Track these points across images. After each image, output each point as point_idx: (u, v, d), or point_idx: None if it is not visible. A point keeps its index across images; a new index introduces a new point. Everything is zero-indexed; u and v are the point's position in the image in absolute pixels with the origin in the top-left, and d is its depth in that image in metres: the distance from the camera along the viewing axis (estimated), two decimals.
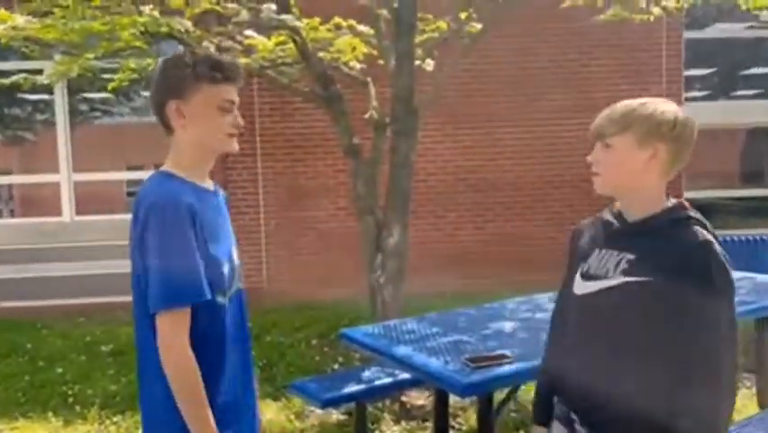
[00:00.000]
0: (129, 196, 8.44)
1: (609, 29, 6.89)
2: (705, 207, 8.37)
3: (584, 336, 1.61)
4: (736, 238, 6.47)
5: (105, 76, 5.70)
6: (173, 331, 1.53)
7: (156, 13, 3.85)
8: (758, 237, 6.55)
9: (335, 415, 4.05)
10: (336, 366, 4.94)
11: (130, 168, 8.66)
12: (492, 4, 4.83)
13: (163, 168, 1.69)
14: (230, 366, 1.67)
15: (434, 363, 2.49)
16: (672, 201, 1.58)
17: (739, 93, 8.32)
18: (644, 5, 5.03)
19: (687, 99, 7.72)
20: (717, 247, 1.46)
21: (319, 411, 4.01)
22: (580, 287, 1.63)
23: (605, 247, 1.61)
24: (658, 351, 1.46)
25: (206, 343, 1.59)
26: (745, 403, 3.94)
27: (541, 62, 7.51)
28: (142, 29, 3.75)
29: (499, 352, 2.54)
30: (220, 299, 1.64)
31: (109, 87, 5.02)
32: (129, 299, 1.66)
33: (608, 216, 1.67)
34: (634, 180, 1.55)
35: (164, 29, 3.72)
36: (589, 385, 1.58)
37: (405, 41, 4.25)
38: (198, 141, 1.66)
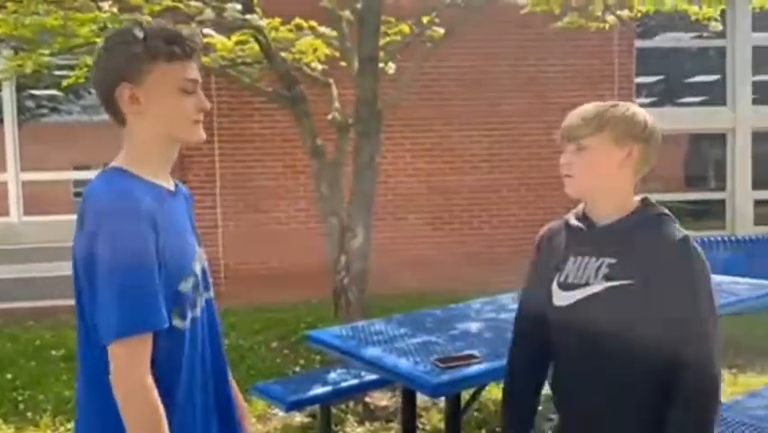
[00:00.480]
0: (76, 196, 8.21)
1: (565, 36, 7.07)
2: None
3: (570, 346, 1.57)
4: None
5: (57, 73, 5.55)
6: (127, 363, 1.27)
7: (115, 10, 3.77)
8: (704, 239, 6.82)
9: (298, 418, 4.03)
10: (298, 369, 4.92)
11: (77, 167, 8.43)
12: (454, 9, 4.90)
13: (114, 163, 1.41)
14: (189, 410, 1.40)
15: (404, 363, 2.51)
16: (638, 200, 1.58)
17: (685, 100, 8.64)
18: (599, 14, 5.18)
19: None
20: (694, 243, 1.48)
21: (282, 414, 3.98)
22: (560, 298, 1.58)
23: (580, 254, 1.57)
24: (645, 351, 1.46)
25: (156, 380, 1.31)
26: None
27: (500, 67, 7.64)
28: (102, 25, 3.66)
29: (467, 352, 2.58)
30: (177, 323, 1.36)
31: (63, 84, 4.87)
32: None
33: (573, 220, 1.64)
34: (608, 181, 1.55)
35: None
36: (580, 394, 1.57)
37: (369, 43, 4.27)
38: (158, 130, 1.40)
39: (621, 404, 1.50)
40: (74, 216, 1.37)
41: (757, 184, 8.23)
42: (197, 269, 1.48)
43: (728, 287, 3.73)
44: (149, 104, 1.37)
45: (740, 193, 8.20)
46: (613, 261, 1.51)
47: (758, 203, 8.19)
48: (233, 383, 1.66)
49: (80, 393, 1.41)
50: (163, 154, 1.44)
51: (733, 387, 4.30)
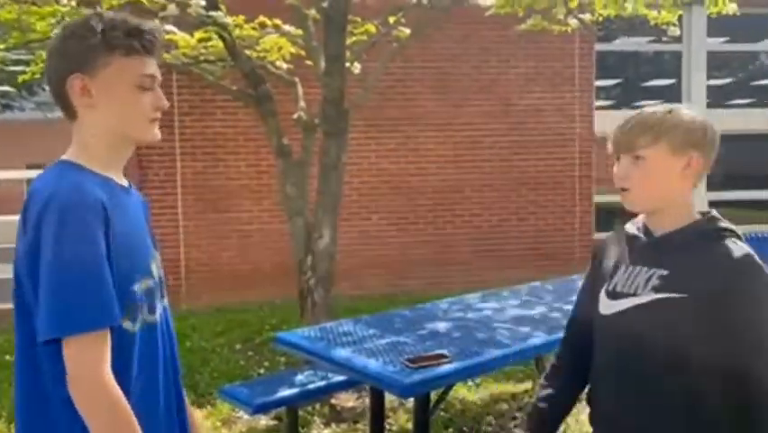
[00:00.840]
0: None
1: (527, 38, 7.18)
2: (611, 211, 8.83)
3: (611, 356, 1.52)
4: None
5: (10, 69, 5.36)
6: (86, 359, 1.20)
7: (74, 3, 3.66)
8: None
9: (264, 420, 3.98)
10: (262, 371, 4.86)
11: (30, 166, 8.18)
12: (420, 9, 4.91)
13: (65, 157, 1.35)
14: (152, 417, 1.35)
15: (374, 364, 2.50)
16: (701, 212, 1.50)
17: (642, 103, 8.86)
18: (562, 17, 5.26)
19: (596, 108, 8.14)
20: (758, 260, 1.38)
21: (247, 417, 3.93)
22: (606, 306, 1.52)
23: (632, 264, 1.51)
24: (690, 367, 1.38)
25: None
26: None
27: (463, 68, 7.70)
28: (60, 19, 3.55)
29: (437, 352, 2.59)
30: (127, 326, 1.29)
31: (19, 80, 4.71)
32: None
33: (632, 230, 1.56)
34: (668, 192, 1.46)
35: None
36: (616, 406, 1.50)
37: (335, 42, 4.24)
38: (110, 126, 1.33)
39: (658, 417, 1.43)
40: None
41: (712, 185, 8.48)
42: (155, 272, 1.41)
43: None
44: (101, 97, 1.31)
45: (695, 193, 8.42)
46: (665, 273, 1.44)
47: (712, 203, 8.44)
48: (185, 397, 1.59)
49: (19, 403, 1.32)
50: (115, 152, 1.38)
51: None
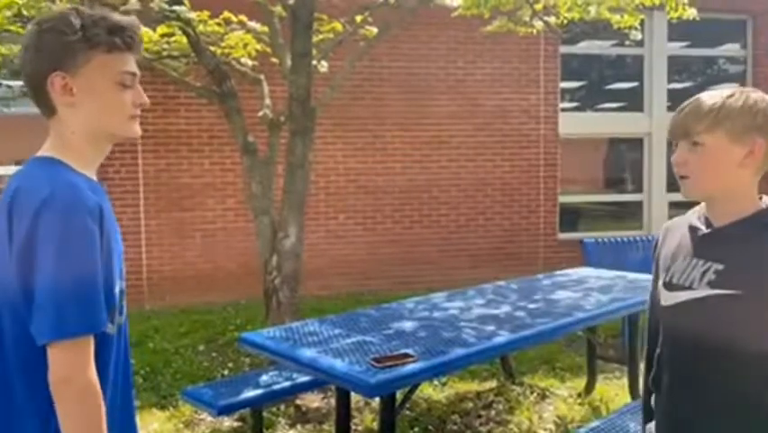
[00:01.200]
0: None
1: (493, 40, 7.24)
2: (574, 212, 8.95)
3: (670, 348, 1.48)
4: (603, 240, 7.00)
5: None
6: (77, 362, 1.21)
7: None
8: (622, 239, 7.12)
9: (228, 422, 3.92)
10: (226, 372, 4.79)
11: None
12: (387, 9, 4.91)
13: (47, 154, 1.32)
14: (111, 406, 1.34)
15: (340, 364, 2.48)
16: (764, 202, 1.42)
17: (605, 105, 9.00)
18: (527, 19, 5.32)
19: (561, 110, 8.25)
20: None
21: (210, 419, 3.87)
22: (665, 297, 1.50)
23: (691, 255, 1.46)
24: (747, 365, 1.34)
25: None
26: (618, 393, 4.27)
27: (430, 69, 7.72)
28: (16, 11, 3.44)
29: (403, 351, 2.58)
30: (108, 329, 1.30)
31: None
32: None
33: (695, 220, 1.49)
34: (728, 181, 1.39)
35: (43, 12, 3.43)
36: (675, 397, 1.47)
37: (301, 40, 4.21)
38: (92, 124, 1.32)
39: (711, 414, 1.40)
40: None
41: (672, 187, 8.67)
42: (124, 272, 1.42)
43: (646, 284, 3.90)
44: (83, 95, 1.30)
45: (656, 195, 8.62)
46: (721, 267, 1.38)
47: (673, 205, 8.63)
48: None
49: None
50: (96, 150, 1.37)
51: None
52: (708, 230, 1.45)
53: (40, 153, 1.33)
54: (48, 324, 1.19)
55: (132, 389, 1.52)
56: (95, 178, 1.39)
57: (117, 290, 1.34)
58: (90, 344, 1.23)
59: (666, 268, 1.51)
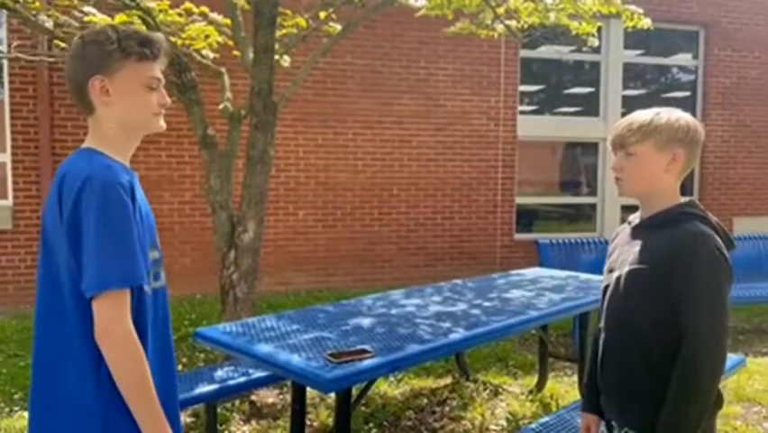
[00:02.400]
0: None
1: (455, 41, 7.32)
2: (530, 213, 9.12)
3: (603, 322, 1.84)
4: (556, 241, 7.15)
5: None
6: (115, 314, 1.43)
7: None
8: (576, 240, 7.29)
9: (181, 417, 3.87)
10: (180, 367, 4.73)
11: None
12: (351, 6, 4.91)
13: (87, 145, 1.59)
14: (153, 367, 1.54)
15: (297, 360, 2.48)
16: (683, 200, 1.75)
17: (562, 109, 9.19)
18: (489, 22, 5.39)
19: (520, 113, 8.39)
20: (710, 239, 1.62)
21: None
22: (605, 280, 1.85)
23: (624, 244, 1.82)
24: (649, 329, 1.67)
25: None
26: (567, 390, 4.38)
27: (393, 67, 7.75)
28: None
29: (360, 347, 2.60)
30: (146, 288, 1.55)
31: None
32: None
33: (632, 218, 1.85)
34: (654, 183, 1.72)
35: None
36: (607, 364, 1.81)
37: (265, 34, 4.17)
38: (124, 120, 1.59)
39: (624, 368, 1.74)
40: None
41: None
42: (158, 244, 1.69)
43: (597, 284, 4.01)
44: (117, 96, 1.57)
45: (609, 199, 8.85)
46: (637, 249, 1.73)
47: (625, 208, 8.87)
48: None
49: (42, 364, 1.54)
50: (128, 141, 1.64)
51: None
52: (638, 221, 1.80)
53: (83, 145, 1.59)
54: (93, 279, 1.42)
55: (174, 355, 1.71)
56: (128, 165, 1.64)
57: (151, 256, 1.59)
58: (126, 298, 1.45)
59: (609, 257, 1.87)
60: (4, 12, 4.35)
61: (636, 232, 1.79)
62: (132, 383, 1.46)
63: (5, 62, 6.48)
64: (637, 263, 1.70)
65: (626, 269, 1.74)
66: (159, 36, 1.64)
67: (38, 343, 1.56)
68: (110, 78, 1.57)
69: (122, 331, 1.44)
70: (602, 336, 1.85)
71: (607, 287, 1.84)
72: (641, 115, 1.72)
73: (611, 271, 1.83)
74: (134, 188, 1.54)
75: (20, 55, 4.91)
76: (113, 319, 1.44)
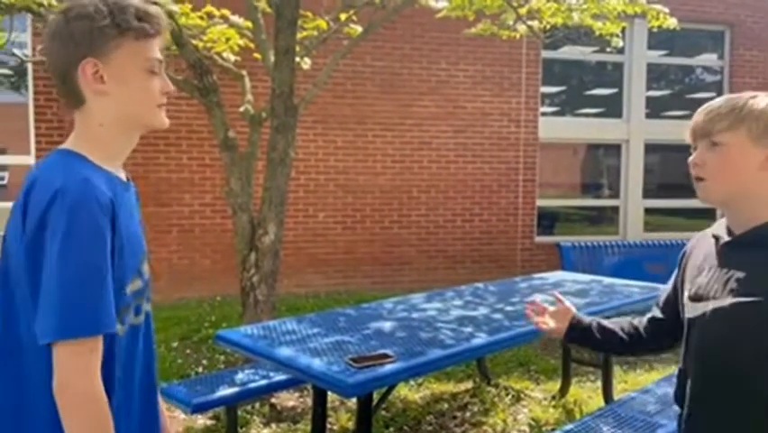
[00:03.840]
0: None
1: (476, 42, 7.27)
2: (552, 215, 9.05)
3: (698, 361, 1.42)
4: (578, 244, 7.07)
5: None
6: (77, 366, 1.15)
7: None
8: (598, 243, 7.20)
9: (201, 420, 3.88)
10: (201, 369, 4.74)
11: None
12: (371, 8, 4.90)
13: (68, 147, 1.28)
14: (123, 421, 1.28)
15: (318, 364, 2.46)
16: None
17: (584, 111, 9.09)
18: (511, 23, 5.34)
19: (541, 114, 8.31)
20: None
21: (183, 416, 3.82)
22: (690, 309, 1.45)
23: (714, 266, 1.41)
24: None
25: None
26: (591, 396, 4.31)
27: (413, 69, 7.73)
28: None
29: (381, 352, 2.57)
30: (119, 328, 1.25)
31: None
32: None
33: (718, 230, 1.45)
34: (746, 184, 1.33)
35: (20, 1, 3.36)
36: (705, 410, 1.42)
37: (285, 36, 4.17)
38: (122, 113, 1.28)
39: (739, 421, 1.35)
40: None
41: (648, 193, 8.79)
42: (145, 271, 1.36)
43: (621, 289, 3.96)
44: (113, 83, 1.26)
45: (632, 201, 8.73)
46: (742, 275, 1.34)
47: (648, 210, 8.75)
48: (161, 403, 1.53)
49: None
50: (125, 140, 1.33)
51: (623, 384, 4.56)
52: (729, 238, 1.40)
53: (63, 146, 1.29)
54: (50, 323, 1.14)
55: (157, 399, 1.46)
56: (121, 171, 1.35)
57: (129, 289, 1.28)
58: (97, 347, 1.17)
59: (692, 280, 1.47)
60: (29, 15, 4.40)
61: (730, 251, 1.39)
62: None
63: (30, 66, 6.56)
64: (747, 295, 1.30)
65: (728, 300, 1.33)
66: (157, 8, 1.32)
67: None
68: (104, 60, 1.24)
69: (83, 387, 1.15)
70: (689, 382, 1.45)
71: (692, 320, 1.44)
72: (732, 98, 1.35)
73: (699, 299, 1.41)
74: (116, 207, 1.22)
75: (44, 59, 4.96)
76: (73, 372, 1.14)
